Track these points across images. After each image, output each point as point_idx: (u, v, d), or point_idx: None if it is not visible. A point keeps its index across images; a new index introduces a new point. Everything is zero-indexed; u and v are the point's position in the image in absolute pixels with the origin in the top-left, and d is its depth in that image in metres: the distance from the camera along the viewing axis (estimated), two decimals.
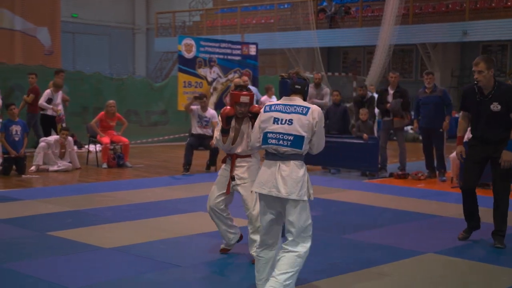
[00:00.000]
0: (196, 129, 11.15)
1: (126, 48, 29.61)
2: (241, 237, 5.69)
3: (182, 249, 5.88)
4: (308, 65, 21.71)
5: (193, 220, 7.20)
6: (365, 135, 10.71)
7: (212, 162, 11.30)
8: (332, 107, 11.49)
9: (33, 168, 10.63)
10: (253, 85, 14.36)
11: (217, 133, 5.37)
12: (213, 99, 15.62)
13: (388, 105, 10.70)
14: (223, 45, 16.34)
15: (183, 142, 14.46)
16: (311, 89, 12.41)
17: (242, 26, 23.51)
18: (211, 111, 11.35)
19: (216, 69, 15.94)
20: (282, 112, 4.27)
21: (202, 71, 15.73)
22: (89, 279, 4.87)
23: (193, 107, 11.39)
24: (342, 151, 10.89)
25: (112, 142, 11.61)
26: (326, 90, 12.46)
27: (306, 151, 4.32)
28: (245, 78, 14.31)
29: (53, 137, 11.27)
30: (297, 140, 4.22)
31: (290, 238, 4.27)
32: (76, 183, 9.91)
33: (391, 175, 10.70)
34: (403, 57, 22.26)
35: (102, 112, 11.81)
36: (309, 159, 11.50)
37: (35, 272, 4.98)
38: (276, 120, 4.28)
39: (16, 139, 10.38)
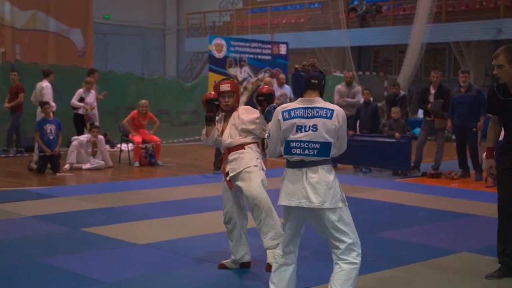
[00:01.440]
0: None
1: (157, 48, 29.84)
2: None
3: (213, 246, 5.89)
4: (338, 65, 21.61)
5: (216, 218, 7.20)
6: (397, 134, 10.62)
7: None
8: (363, 106, 11.41)
9: (67, 166, 10.79)
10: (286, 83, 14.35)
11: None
12: (243, 98, 15.64)
13: (429, 105, 10.58)
14: (253, 44, 16.36)
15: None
16: (342, 88, 12.35)
17: (272, 26, 23.50)
18: None
19: (246, 69, 15.97)
20: (304, 117, 3.85)
21: (232, 70, 15.77)
22: (123, 274, 4.93)
23: None
24: (373, 150, 10.82)
25: (144, 141, 11.71)
26: (358, 88, 12.38)
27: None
28: (282, 76, 14.30)
29: (86, 136, 11.42)
30: (324, 148, 3.85)
31: (342, 248, 3.93)
32: (108, 181, 10.02)
33: (423, 174, 10.58)
34: (436, 56, 22.00)
35: (135, 111, 11.92)
36: (340, 158, 11.56)
37: (70, 267, 5.05)
38: (299, 128, 3.85)
39: (51, 137, 10.54)
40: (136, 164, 11.50)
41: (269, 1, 24.79)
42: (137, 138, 11.58)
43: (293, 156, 3.89)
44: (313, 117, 3.83)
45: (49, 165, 10.51)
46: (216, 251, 5.68)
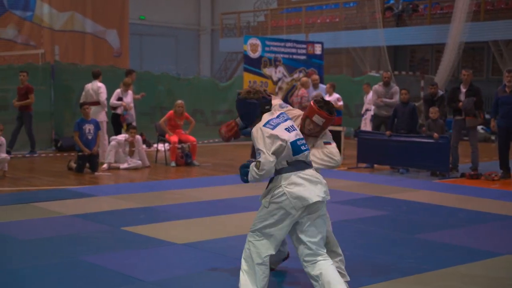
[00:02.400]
0: None
1: (191, 49, 30.01)
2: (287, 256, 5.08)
3: None
4: (374, 64, 21.43)
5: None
6: (435, 134, 10.47)
7: None
8: (400, 106, 11.28)
9: (105, 166, 10.92)
10: (320, 82, 14.30)
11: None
12: (278, 98, 15.63)
13: (460, 103, 10.43)
14: (288, 44, 16.34)
15: (248, 141, 14.55)
16: (380, 88, 12.23)
17: (307, 25, 23.42)
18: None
19: (281, 69, 15.95)
20: (282, 121, 4.06)
21: (267, 70, 15.77)
22: (163, 273, 4.95)
23: None
24: (411, 150, 10.70)
25: (180, 141, 11.78)
26: (396, 88, 12.25)
27: None
28: (315, 76, 14.25)
29: (123, 136, 11.53)
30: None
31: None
32: (146, 181, 10.10)
33: (462, 175, 10.41)
34: (474, 55, 21.66)
35: (171, 112, 11.99)
36: (377, 159, 11.45)
37: (111, 265, 5.10)
38: (287, 129, 4.02)
39: (89, 137, 10.67)
40: (173, 164, 11.57)
41: (304, 1, 24.71)
42: (174, 138, 11.66)
43: (304, 154, 4.04)
44: (287, 119, 4.11)
45: (87, 165, 10.65)
46: None
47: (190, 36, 30.06)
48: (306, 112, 4.51)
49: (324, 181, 4.13)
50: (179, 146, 11.77)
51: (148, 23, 27.83)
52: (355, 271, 5.06)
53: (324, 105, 4.45)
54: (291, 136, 4.01)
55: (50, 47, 20.00)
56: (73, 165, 10.72)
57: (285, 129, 4.01)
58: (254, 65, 15.50)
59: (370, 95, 14.06)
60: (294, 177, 4.02)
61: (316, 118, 4.43)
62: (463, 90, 10.52)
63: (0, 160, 9.68)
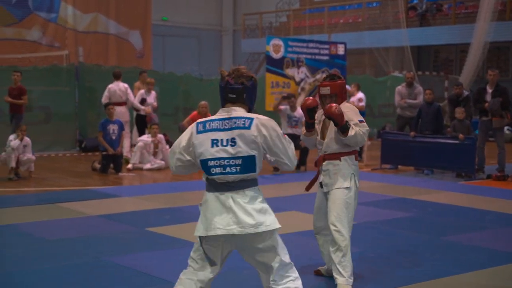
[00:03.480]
0: (286, 129, 11.16)
1: (213, 49, 30.08)
2: None
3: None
4: (397, 64, 21.27)
5: (287, 219, 7.18)
6: (461, 135, 10.34)
7: (302, 162, 11.26)
8: (425, 106, 11.17)
9: (129, 166, 10.98)
10: None
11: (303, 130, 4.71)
12: (301, 99, 15.57)
13: (486, 104, 10.30)
14: (311, 45, 16.28)
15: None
16: (403, 89, 12.12)
17: (329, 26, 23.33)
18: (300, 111, 11.32)
19: (303, 69, 15.90)
20: (220, 130, 3.39)
21: (289, 71, 15.73)
22: None
23: (282, 107, 11.39)
24: (436, 151, 10.59)
25: None
26: (420, 89, 12.13)
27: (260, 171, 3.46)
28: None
29: (147, 136, 11.58)
30: (247, 162, 3.36)
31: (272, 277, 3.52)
32: (169, 181, 10.13)
33: (489, 176, 10.28)
34: (499, 55, 21.37)
35: (195, 112, 12.01)
36: (401, 160, 11.35)
37: (136, 266, 5.12)
38: (215, 142, 3.39)
39: (113, 138, 10.74)
40: None
41: (327, 1, 24.61)
42: None
43: (213, 177, 3.38)
44: (230, 128, 3.37)
45: (111, 165, 10.71)
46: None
47: (212, 37, 30.11)
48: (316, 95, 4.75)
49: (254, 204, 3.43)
50: None
51: (171, 24, 27.93)
52: (379, 273, 5.02)
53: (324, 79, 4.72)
54: (207, 152, 3.37)
55: (74, 48, 20.19)
56: (97, 165, 10.79)
57: (212, 139, 3.38)
58: (276, 65, 15.47)
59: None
60: (209, 195, 3.43)
61: (321, 90, 4.65)
62: (489, 90, 10.39)
63: (26, 161, 9.78)
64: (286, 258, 3.55)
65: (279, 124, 11.93)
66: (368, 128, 4.48)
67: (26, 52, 18.70)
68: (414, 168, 11.25)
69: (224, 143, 3.35)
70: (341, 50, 16.57)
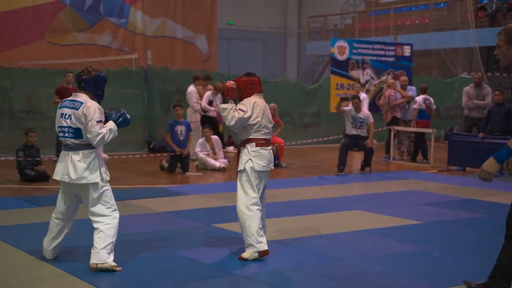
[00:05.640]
0: (351, 130, 11.16)
1: (278, 52, 30.24)
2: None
3: (341, 245, 5.93)
4: (466, 65, 20.83)
5: (350, 218, 7.24)
6: None
7: (366, 163, 11.23)
8: (494, 107, 10.95)
9: (196, 165, 11.26)
10: (409, 84, 14.08)
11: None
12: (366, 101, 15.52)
13: None
14: (376, 46, 16.21)
15: (335, 143, 14.53)
16: (471, 90, 11.91)
17: (395, 27, 23.09)
18: (365, 112, 11.30)
19: (369, 71, 15.85)
20: (67, 107, 4.96)
21: (354, 73, 15.71)
22: (254, 267, 5.09)
23: (346, 108, 11.41)
24: None
25: None
26: (488, 89, 11.90)
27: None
28: (404, 78, 14.05)
29: (213, 137, 11.81)
30: (77, 132, 4.91)
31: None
32: (234, 181, 10.26)
33: None
34: None
35: None
36: (469, 161, 11.14)
37: (204, 259, 5.30)
38: (62, 115, 4.97)
39: (181, 138, 11.02)
40: None
41: (393, 3, 24.36)
42: None
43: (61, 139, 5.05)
44: (71, 107, 4.92)
45: (178, 165, 10.99)
46: (343, 250, 5.71)
47: (277, 39, 30.29)
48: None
49: (80, 163, 4.93)
50: None
51: (236, 28, 28.29)
52: (444, 272, 5.02)
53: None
54: (57, 122, 5.04)
55: (142, 52, 20.75)
56: (165, 164, 11.09)
57: (61, 114, 5.00)
58: (341, 67, 15.48)
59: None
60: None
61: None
62: None
63: None
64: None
65: (344, 125, 11.97)
66: (240, 117, 5.38)
67: (98, 56, 19.36)
68: None
69: (66, 117, 4.96)
70: (407, 51, 16.42)
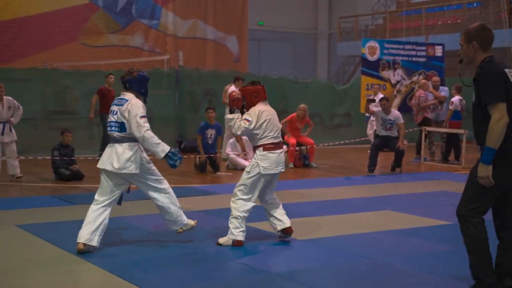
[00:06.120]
0: (381, 131, 11.15)
1: (308, 53, 30.23)
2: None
3: (371, 244, 5.95)
4: None
5: (380, 218, 7.25)
6: None
7: (397, 164, 11.20)
8: None
9: (226, 164, 11.36)
10: (441, 85, 13.98)
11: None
12: (396, 101, 15.46)
13: None
14: (407, 47, 16.11)
15: (366, 144, 14.51)
16: None
17: (427, 27, 22.90)
18: (395, 113, 11.27)
19: (399, 71, 15.76)
20: (115, 105, 5.51)
21: (385, 73, 15.64)
22: (285, 265, 5.18)
23: (375, 109, 11.37)
24: None
25: (298, 143, 11.98)
26: None
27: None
28: (436, 78, 13.97)
29: (244, 138, 11.90)
30: (122, 126, 5.40)
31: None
32: None
33: None
34: None
35: (293, 114, 12.21)
36: None
37: (236, 257, 5.40)
38: (111, 112, 5.52)
39: (210, 142, 11.10)
40: (291, 165, 11.79)
41: (425, 2, 24.17)
42: (292, 140, 11.88)
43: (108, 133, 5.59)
44: (118, 104, 5.45)
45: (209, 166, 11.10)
46: (377, 250, 5.73)
47: (307, 40, 30.27)
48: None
49: (123, 154, 5.40)
50: (297, 148, 11.99)
51: (266, 29, 28.36)
52: None
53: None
54: (108, 117, 5.59)
55: (174, 53, 20.96)
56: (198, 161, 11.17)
57: (110, 111, 5.55)
58: (372, 68, 15.43)
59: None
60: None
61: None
62: None
63: None
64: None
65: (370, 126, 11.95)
66: (246, 128, 5.77)
67: (130, 57, 19.62)
68: None
69: (115, 113, 5.48)
70: (438, 51, 16.30)
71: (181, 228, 5.71)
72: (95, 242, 5.32)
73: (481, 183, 4.11)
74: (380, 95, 14.30)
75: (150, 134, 5.33)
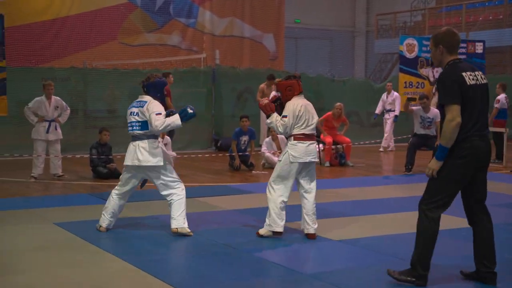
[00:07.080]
0: (419, 129, 10.98)
1: (345, 50, 29.99)
2: None
3: (406, 245, 5.82)
4: None
5: (416, 218, 7.10)
6: None
7: None
8: None
9: (262, 163, 11.36)
10: None
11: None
12: (435, 99, 15.19)
13: None
14: None
15: (403, 143, 14.32)
16: None
17: (467, 24, 22.48)
18: (434, 111, 11.07)
19: (438, 69, 15.48)
20: (135, 107, 6.04)
21: (424, 71, 15.38)
22: (320, 266, 5.13)
23: (414, 107, 11.20)
24: None
25: (334, 142, 11.89)
26: None
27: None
28: None
29: (280, 136, 11.85)
30: (143, 124, 5.96)
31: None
32: None
33: None
34: None
35: (329, 113, 12.13)
36: None
37: (270, 257, 5.39)
38: (131, 113, 6.06)
39: (242, 148, 11.11)
40: (327, 164, 11.71)
41: None
42: (329, 139, 11.79)
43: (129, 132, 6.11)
44: (138, 106, 6.00)
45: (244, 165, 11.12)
46: (410, 250, 5.62)
47: (344, 38, 30.04)
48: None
49: (147, 148, 5.98)
50: (334, 147, 11.90)
51: (303, 26, 28.23)
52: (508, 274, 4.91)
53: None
54: (128, 118, 6.11)
55: (211, 51, 21.03)
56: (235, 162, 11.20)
57: (130, 113, 6.09)
58: (410, 65, 15.19)
59: (389, 95, 13.27)
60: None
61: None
62: None
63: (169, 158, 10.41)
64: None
65: (412, 124, 11.75)
66: (285, 124, 5.97)
67: (168, 56, 19.76)
68: None
69: (133, 114, 6.09)
70: (479, 48, 15.97)
71: (177, 228, 5.98)
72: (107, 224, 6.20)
73: (426, 173, 4.55)
74: (395, 94, 14.01)
75: (161, 123, 5.86)
